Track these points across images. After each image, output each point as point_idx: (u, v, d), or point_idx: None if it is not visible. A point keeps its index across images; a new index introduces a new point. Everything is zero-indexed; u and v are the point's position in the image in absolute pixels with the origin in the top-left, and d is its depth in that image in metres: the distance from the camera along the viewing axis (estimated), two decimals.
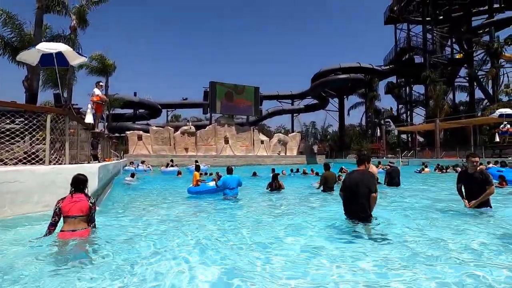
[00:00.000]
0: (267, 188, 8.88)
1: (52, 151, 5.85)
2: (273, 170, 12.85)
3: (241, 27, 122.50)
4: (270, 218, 5.20)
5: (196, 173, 9.33)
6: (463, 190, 5.17)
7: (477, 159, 4.96)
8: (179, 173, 15.62)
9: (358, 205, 4.05)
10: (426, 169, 16.72)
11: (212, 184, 8.67)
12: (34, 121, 5.58)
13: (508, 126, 19.44)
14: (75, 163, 6.36)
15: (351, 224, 4.14)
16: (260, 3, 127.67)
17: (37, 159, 5.40)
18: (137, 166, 18.54)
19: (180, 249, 3.31)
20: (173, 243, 3.53)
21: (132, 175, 12.59)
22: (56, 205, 3.35)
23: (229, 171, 7.94)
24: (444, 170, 16.53)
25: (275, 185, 8.78)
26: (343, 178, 9.22)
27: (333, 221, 4.56)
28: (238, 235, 4.00)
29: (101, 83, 10.35)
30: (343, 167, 14.77)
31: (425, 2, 33.37)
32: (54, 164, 5.68)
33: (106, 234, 3.74)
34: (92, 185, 5.67)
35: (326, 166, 8.94)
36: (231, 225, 4.65)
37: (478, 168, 4.96)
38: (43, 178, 4.77)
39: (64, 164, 5.81)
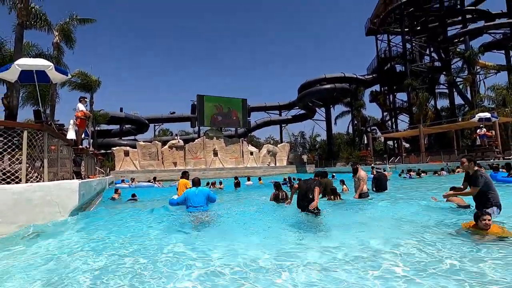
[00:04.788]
0: (271, 200, 7.93)
1: (30, 168, 5.62)
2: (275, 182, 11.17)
3: (227, 40, 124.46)
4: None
5: (186, 180, 7.76)
6: (462, 187, 5.38)
7: (463, 160, 5.13)
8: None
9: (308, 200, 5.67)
10: (412, 173, 17.30)
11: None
12: (14, 140, 5.37)
13: (484, 129, 19.87)
14: (56, 180, 6.12)
15: None
16: (245, 16, 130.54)
17: (13, 176, 5.16)
18: (131, 184, 18.28)
19: None
20: None
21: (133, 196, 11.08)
22: None
23: (195, 183, 6.54)
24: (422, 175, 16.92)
25: (281, 195, 7.85)
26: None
27: None
28: None
29: (86, 99, 10.13)
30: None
31: (403, 14, 34.88)
32: (32, 182, 5.45)
33: None
34: (73, 202, 5.46)
35: (323, 174, 9.21)
36: None
37: (475, 169, 5.01)
38: (18, 197, 4.55)
39: (43, 181, 5.58)
